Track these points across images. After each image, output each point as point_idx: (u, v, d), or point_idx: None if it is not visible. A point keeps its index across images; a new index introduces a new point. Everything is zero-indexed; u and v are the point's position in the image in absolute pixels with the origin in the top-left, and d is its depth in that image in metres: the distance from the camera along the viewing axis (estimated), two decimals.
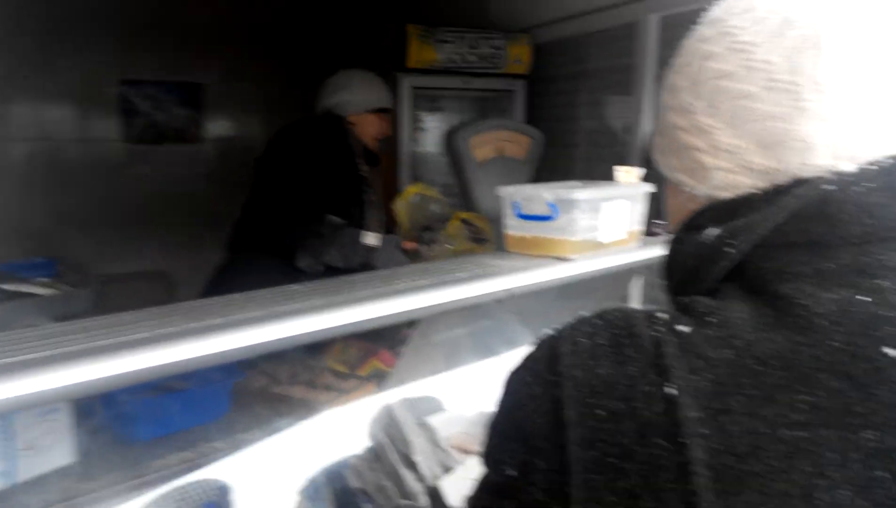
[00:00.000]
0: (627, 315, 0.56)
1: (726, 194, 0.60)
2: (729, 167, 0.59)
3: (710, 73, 0.60)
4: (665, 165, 0.68)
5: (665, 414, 0.49)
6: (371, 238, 2.13)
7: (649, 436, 0.49)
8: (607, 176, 1.77)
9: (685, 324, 0.53)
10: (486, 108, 3.65)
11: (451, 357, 1.65)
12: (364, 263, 2.11)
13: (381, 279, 1.37)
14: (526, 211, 1.52)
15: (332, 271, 2.11)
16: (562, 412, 0.52)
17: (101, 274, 4.00)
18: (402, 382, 1.57)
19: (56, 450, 1.39)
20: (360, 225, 2.40)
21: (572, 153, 3.25)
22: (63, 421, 1.39)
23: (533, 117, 3.38)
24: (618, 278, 1.88)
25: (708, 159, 0.61)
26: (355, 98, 2.51)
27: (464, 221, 1.93)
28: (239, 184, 2.55)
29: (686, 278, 0.61)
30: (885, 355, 0.48)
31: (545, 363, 0.56)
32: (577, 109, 3.23)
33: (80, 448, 1.42)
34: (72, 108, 3.98)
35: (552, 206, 1.47)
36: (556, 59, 3.31)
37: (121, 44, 3.97)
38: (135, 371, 0.98)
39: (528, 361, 0.59)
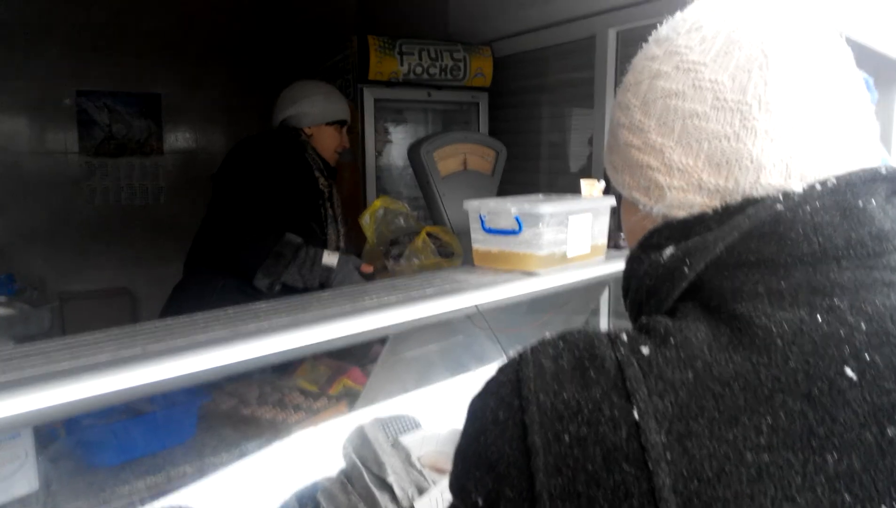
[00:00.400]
0: (589, 337, 0.56)
1: (681, 213, 0.60)
2: (682, 186, 0.59)
3: (660, 91, 0.61)
4: (619, 182, 0.67)
5: (630, 439, 0.49)
6: (330, 258, 2.10)
7: (615, 462, 0.49)
8: (570, 188, 1.79)
9: (646, 345, 0.53)
10: (450, 120, 3.66)
11: (423, 374, 1.64)
12: (323, 283, 2.07)
13: (349, 296, 1.36)
14: (492, 225, 1.53)
15: (289, 290, 2.06)
16: (527, 437, 0.52)
17: (60, 291, 3.91)
18: (373, 400, 1.56)
19: (18, 478, 1.34)
20: (321, 241, 2.35)
21: (535, 166, 3.27)
22: (24, 447, 1.35)
23: (496, 130, 3.40)
24: (587, 290, 1.89)
25: (662, 178, 0.61)
26: (312, 110, 2.46)
27: (431, 235, 1.93)
28: (201, 196, 2.50)
29: (644, 297, 0.61)
30: (845, 375, 0.48)
31: (509, 388, 0.55)
32: (539, 121, 3.25)
33: (43, 475, 1.37)
34: (27, 119, 3.88)
35: (518, 219, 1.47)
36: (518, 72, 3.33)
37: (76, 54, 3.89)
38: (97, 396, 0.96)
39: (492, 385, 0.58)
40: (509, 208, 1.48)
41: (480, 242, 1.56)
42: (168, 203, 4.30)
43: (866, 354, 0.49)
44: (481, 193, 2.14)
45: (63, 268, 3.97)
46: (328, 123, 2.47)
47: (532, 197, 1.68)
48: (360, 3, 4.60)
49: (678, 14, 0.64)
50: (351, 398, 1.71)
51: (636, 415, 0.49)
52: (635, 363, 0.52)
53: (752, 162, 0.56)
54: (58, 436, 1.46)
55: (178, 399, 1.50)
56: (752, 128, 0.56)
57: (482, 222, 1.53)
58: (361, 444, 1.34)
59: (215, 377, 1.22)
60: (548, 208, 1.45)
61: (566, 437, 0.50)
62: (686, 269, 0.56)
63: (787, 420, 0.48)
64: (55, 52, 3.80)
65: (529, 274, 1.48)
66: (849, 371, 0.49)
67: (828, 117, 0.57)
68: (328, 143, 2.48)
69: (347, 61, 3.17)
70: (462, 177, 2.21)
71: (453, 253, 1.90)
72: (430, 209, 2.21)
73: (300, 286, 2.05)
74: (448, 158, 2.22)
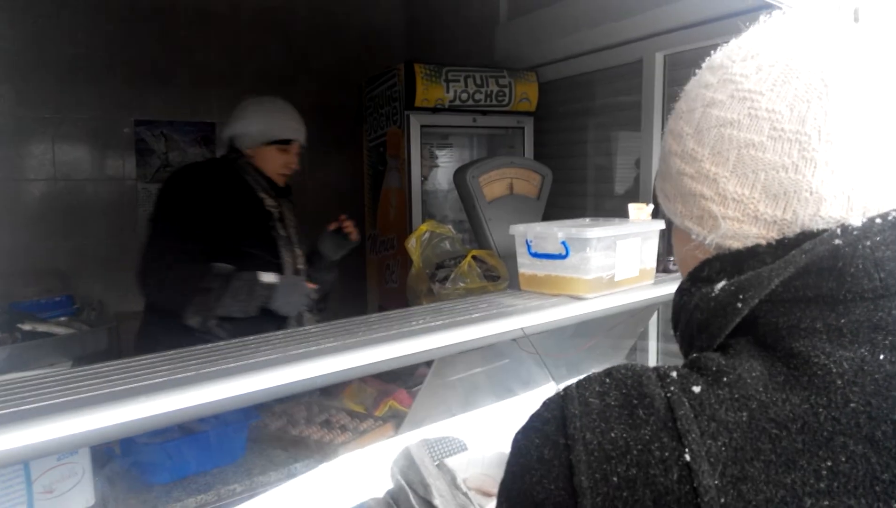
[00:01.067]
0: (637, 374, 0.54)
1: (735, 244, 0.58)
2: (737, 216, 0.57)
3: (714, 120, 0.59)
4: (671, 210, 0.66)
5: (682, 482, 0.47)
6: (268, 277, 1.97)
7: (666, 505, 0.47)
8: (617, 212, 1.77)
9: (697, 383, 0.52)
10: (496, 144, 3.67)
11: (468, 398, 1.63)
12: (263, 306, 1.95)
13: (396, 320, 1.37)
14: (538, 249, 1.52)
15: (228, 321, 1.94)
16: (574, 477, 0.50)
17: (117, 312, 4.02)
18: (418, 423, 1.55)
19: (75, 494, 1.38)
20: (275, 265, 2.21)
21: (581, 189, 3.25)
22: (82, 464, 1.38)
23: (541, 154, 3.39)
24: (635, 314, 1.86)
25: (716, 208, 0.59)
26: (249, 130, 2.28)
27: (477, 258, 1.93)
28: None
29: (695, 332, 0.59)
30: None
31: (554, 426, 0.54)
32: (585, 145, 3.24)
33: (99, 492, 1.40)
34: (88, 148, 4.03)
35: (564, 244, 1.46)
36: (563, 97, 3.33)
37: (135, 85, 4.03)
38: (151, 417, 0.98)
39: (537, 421, 0.57)
40: (556, 232, 1.47)
41: (527, 266, 1.55)
42: None
43: None
44: (527, 217, 2.14)
45: (120, 289, 4.07)
46: (267, 144, 2.29)
47: (579, 221, 1.67)
48: (407, 31, 4.67)
49: (733, 41, 0.63)
50: (397, 420, 1.70)
51: (688, 457, 0.48)
52: (686, 403, 0.50)
53: (811, 194, 0.54)
54: (114, 455, 1.49)
55: (229, 419, 1.52)
56: (811, 159, 0.54)
57: (528, 246, 1.53)
58: (408, 466, 1.34)
59: (265, 400, 1.23)
60: (595, 232, 1.44)
61: (614, 478, 0.49)
62: (739, 304, 0.54)
63: (849, 464, 0.46)
64: (115, 83, 3.95)
65: (576, 298, 1.47)
66: None
67: (890, 149, 0.54)
68: (270, 164, 2.31)
69: (394, 89, 3.22)
70: (508, 201, 2.20)
71: (499, 277, 1.89)
72: (475, 234, 2.21)
73: (240, 316, 1.94)
74: (494, 183, 2.22)
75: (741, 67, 0.59)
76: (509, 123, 3.41)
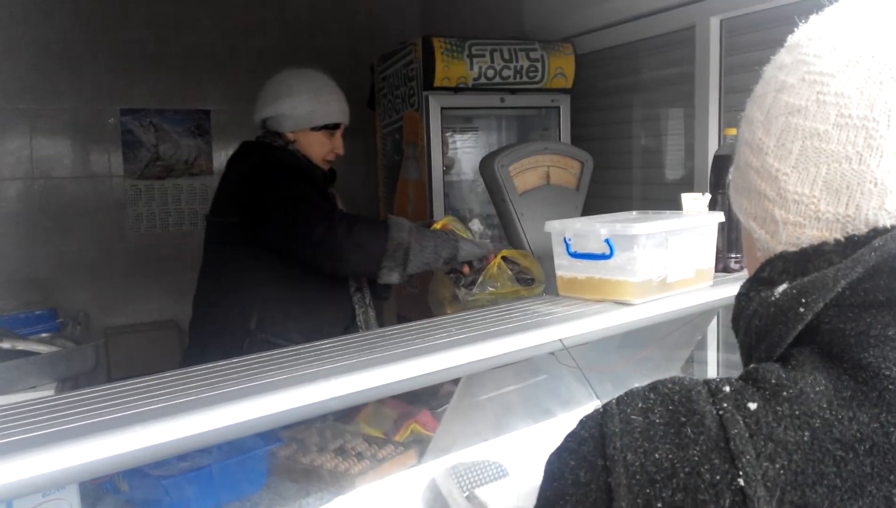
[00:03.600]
0: (686, 388, 0.55)
1: (796, 249, 0.60)
2: (798, 221, 0.59)
3: (783, 107, 0.61)
4: (738, 205, 0.68)
5: None
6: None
7: None
8: (669, 203, 1.76)
9: (753, 399, 0.52)
10: (527, 127, 3.67)
11: (501, 419, 1.64)
12: (450, 258, 2.00)
13: (418, 332, 1.37)
14: (578, 249, 1.52)
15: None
16: (613, 503, 0.51)
17: (105, 326, 4.09)
18: (445, 448, 1.56)
19: None
20: None
21: (627, 177, 3.24)
22: (69, 500, 1.41)
23: (580, 137, 3.38)
24: (692, 320, 1.85)
25: (777, 212, 0.60)
26: (296, 112, 2.32)
27: (507, 259, 1.93)
28: None
29: (754, 340, 0.60)
30: None
31: (592, 445, 0.55)
32: (629, 125, 3.22)
33: None
34: (69, 141, 4.09)
35: (608, 242, 1.46)
36: (604, 71, 3.32)
37: (120, 71, 4.08)
38: (145, 448, 1.00)
39: (572, 442, 0.58)
40: (598, 229, 1.46)
41: (565, 268, 1.55)
42: None
43: None
44: (565, 210, 2.13)
45: (108, 300, 4.15)
46: (314, 129, 2.34)
47: (624, 215, 1.66)
48: (424, 1, 4.68)
49: (812, 18, 0.64)
50: (420, 446, 1.71)
51: (742, 482, 0.48)
52: (741, 421, 0.51)
53: (875, 185, 0.55)
54: (115, 487, 1.52)
55: (247, 446, 1.54)
56: (877, 147, 0.55)
57: (567, 245, 1.53)
58: (433, 499, 1.35)
59: (273, 426, 1.24)
60: (643, 227, 1.43)
61: (659, 504, 0.50)
62: (802, 309, 0.55)
63: None
64: (98, 69, 4.01)
65: (623, 304, 1.46)
66: None
67: None
68: (315, 150, 2.35)
69: (411, 67, 3.22)
70: (542, 193, 2.20)
71: (534, 280, 1.89)
72: (506, 230, 2.20)
73: (427, 269, 2.01)
74: (526, 172, 2.21)
75: (816, 47, 0.60)
76: (542, 102, 3.40)
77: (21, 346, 2.37)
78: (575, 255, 1.52)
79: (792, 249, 0.60)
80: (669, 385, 0.56)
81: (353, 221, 2.07)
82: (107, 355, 3.84)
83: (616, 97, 3.29)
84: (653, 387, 0.57)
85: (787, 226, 0.60)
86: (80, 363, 2.37)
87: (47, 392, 2.07)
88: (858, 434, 0.48)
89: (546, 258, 1.83)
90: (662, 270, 1.49)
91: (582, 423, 0.58)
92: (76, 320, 3.15)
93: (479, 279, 1.94)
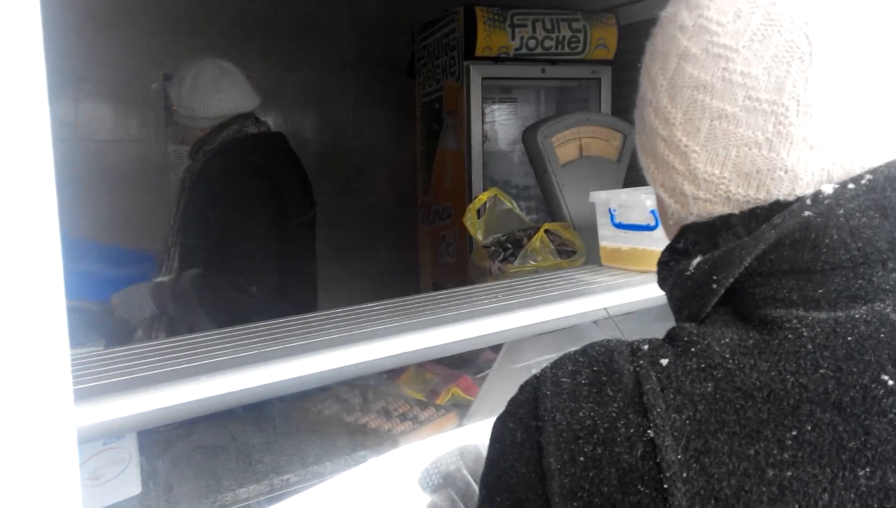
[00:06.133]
0: (610, 349, 0.58)
1: (704, 221, 0.62)
2: (708, 198, 0.60)
3: (688, 79, 0.60)
4: (647, 169, 0.68)
5: (645, 458, 0.51)
6: None
7: (631, 483, 0.51)
8: None
9: (666, 355, 0.55)
10: (566, 98, 3.67)
11: None
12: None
13: (464, 298, 1.42)
14: (622, 220, 1.55)
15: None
16: (543, 460, 0.55)
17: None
18: (486, 413, 1.61)
19: (121, 482, 1.48)
20: None
21: None
22: (128, 449, 1.48)
23: (621, 109, 3.38)
24: None
25: (687, 187, 0.61)
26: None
27: (549, 232, 1.95)
28: None
29: (676, 306, 0.64)
30: (882, 382, 0.49)
31: (528, 408, 0.58)
32: None
33: (145, 479, 1.50)
34: (111, 106, 4.16)
35: (653, 213, 1.49)
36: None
37: (163, 35, 4.13)
38: (213, 397, 1.06)
39: (512, 405, 0.61)
40: (644, 200, 1.50)
41: (609, 239, 1.58)
42: None
43: None
44: (606, 182, 2.15)
45: None
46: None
47: None
48: None
49: None
50: (461, 410, 1.77)
51: (651, 433, 0.51)
52: (654, 376, 0.54)
53: (786, 173, 0.56)
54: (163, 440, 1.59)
55: None
56: (787, 135, 0.55)
57: (612, 216, 1.56)
58: (475, 462, 1.39)
59: (327, 381, 1.30)
60: None
61: (581, 458, 0.53)
62: (714, 285, 0.58)
63: (815, 433, 0.49)
64: (140, 34, 4.06)
65: None
66: (886, 378, 0.49)
67: (877, 116, 0.55)
68: None
69: (452, 36, 3.24)
70: (584, 164, 2.22)
71: (575, 252, 1.92)
72: (547, 202, 2.23)
73: None
74: (568, 144, 2.24)
75: (717, 12, 0.59)
76: (583, 73, 3.39)
77: (69, 303, 2.46)
78: (619, 226, 1.55)
79: (701, 220, 0.62)
80: (597, 348, 0.59)
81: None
82: None
83: None
84: (583, 350, 0.60)
85: (697, 201, 0.61)
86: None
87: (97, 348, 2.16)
88: (758, 383, 0.51)
89: (586, 230, 1.86)
90: None
91: (521, 388, 0.62)
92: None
93: (521, 253, 1.97)
